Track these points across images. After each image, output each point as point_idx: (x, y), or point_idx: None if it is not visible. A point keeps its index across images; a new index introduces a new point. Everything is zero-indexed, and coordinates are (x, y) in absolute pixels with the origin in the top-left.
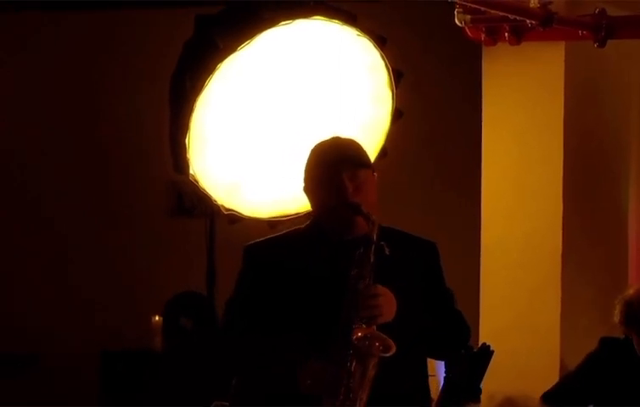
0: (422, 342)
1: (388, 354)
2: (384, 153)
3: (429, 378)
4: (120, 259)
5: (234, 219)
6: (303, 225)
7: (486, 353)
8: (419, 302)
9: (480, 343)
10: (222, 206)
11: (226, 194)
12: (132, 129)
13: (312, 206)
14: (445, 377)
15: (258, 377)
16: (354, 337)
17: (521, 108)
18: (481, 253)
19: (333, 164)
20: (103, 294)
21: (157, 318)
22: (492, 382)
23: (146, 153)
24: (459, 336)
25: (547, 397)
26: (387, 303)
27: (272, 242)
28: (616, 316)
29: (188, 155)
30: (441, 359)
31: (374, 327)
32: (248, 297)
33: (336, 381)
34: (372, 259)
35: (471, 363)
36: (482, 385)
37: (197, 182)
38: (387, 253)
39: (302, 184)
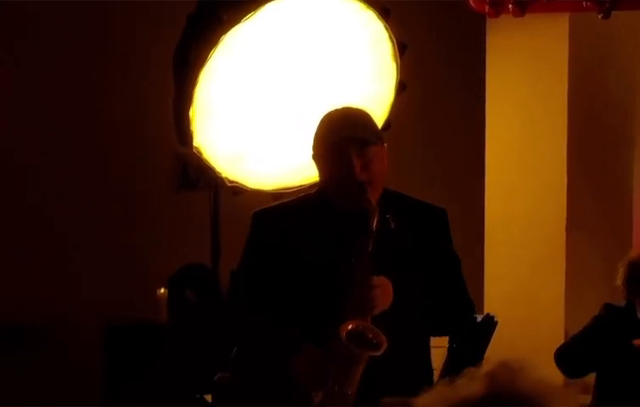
0: (425, 319)
1: (378, 353)
2: (387, 125)
3: (432, 349)
4: (125, 232)
5: (238, 191)
6: (311, 193)
7: (490, 323)
8: (425, 276)
9: (484, 314)
10: (226, 178)
11: (230, 166)
12: (136, 102)
13: (320, 175)
14: (449, 348)
15: (257, 352)
16: (345, 331)
17: (525, 81)
18: (485, 226)
19: (341, 139)
20: (107, 267)
21: (162, 291)
22: (497, 354)
23: (151, 126)
24: (463, 310)
25: (558, 356)
26: (383, 294)
27: (280, 209)
28: (619, 279)
29: (191, 127)
30: (445, 335)
31: (368, 320)
32: (255, 262)
33: (326, 373)
34: (370, 248)
35: (475, 334)
36: (486, 356)
37: (201, 154)
38: (392, 226)
39: (311, 151)
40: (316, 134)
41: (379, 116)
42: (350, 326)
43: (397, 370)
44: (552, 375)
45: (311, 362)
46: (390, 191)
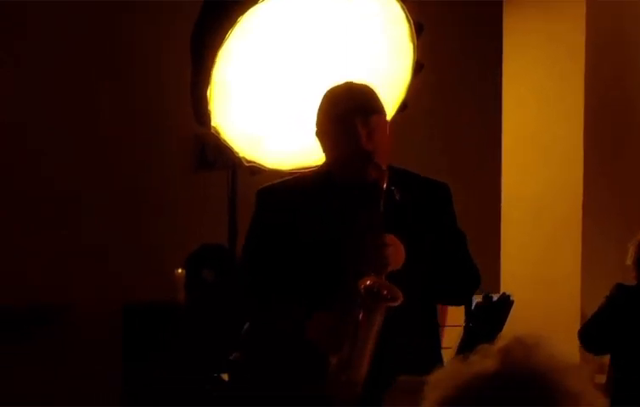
0: (431, 288)
1: (395, 303)
2: (404, 106)
3: (448, 328)
4: (143, 213)
5: (256, 170)
6: (316, 169)
7: (506, 302)
8: (429, 246)
9: (500, 293)
10: (244, 158)
11: (248, 146)
12: (154, 83)
13: (324, 150)
14: (464, 327)
15: (268, 327)
16: (362, 286)
17: (542, 63)
18: (501, 206)
19: (346, 111)
20: (126, 248)
21: (180, 271)
22: (513, 333)
23: (169, 106)
24: (469, 281)
25: (579, 335)
26: (395, 252)
27: (284, 186)
28: (629, 258)
29: (209, 107)
30: (451, 305)
31: (383, 276)
32: (260, 240)
33: (343, 332)
34: (381, 208)
35: (491, 312)
36: (502, 335)
37: (219, 134)
38: (397, 198)
39: (314, 128)
40: (319, 109)
41: (397, 95)
42: (367, 282)
43: (405, 339)
44: (568, 352)
45: (325, 323)
46: (393, 166)
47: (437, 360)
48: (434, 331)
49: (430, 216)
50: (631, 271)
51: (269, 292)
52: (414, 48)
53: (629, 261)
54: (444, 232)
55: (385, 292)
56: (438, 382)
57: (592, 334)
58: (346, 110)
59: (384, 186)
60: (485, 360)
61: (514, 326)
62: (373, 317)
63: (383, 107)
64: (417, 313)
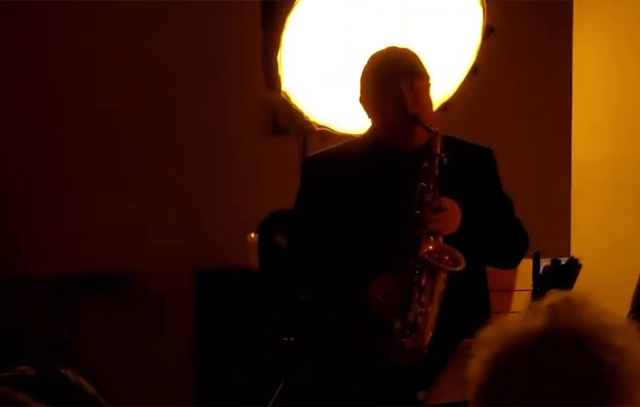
0: (482, 251)
1: (458, 269)
2: (474, 70)
3: (516, 293)
4: (215, 178)
5: (327, 135)
6: (362, 135)
7: (574, 266)
8: (478, 210)
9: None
10: (314, 122)
11: (318, 110)
12: (227, 48)
13: (370, 116)
14: (532, 291)
15: (328, 295)
16: (424, 251)
17: (613, 20)
18: (572, 169)
19: (391, 75)
20: (198, 214)
21: (252, 236)
22: None
23: (241, 71)
24: (516, 244)
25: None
26: (453, 216)
27: (330, 154)
28: None
29: (279, 72)
30: (501, 268)
31: (442, 240)
32: (308, 210)
33: (407, 297)
34: (437, 172)
35: (559, 276)
36: None
37: (289, 99)
38: (445, 163)
39: (358, 94)
40: (362, 75)
41: (468, 60)
42: (430, 247)
43: (462, 303)
44: (615, 312)
45: (386, 289)
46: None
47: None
48: (486, 295)
49: (476, 180)
50: None
51: (322, 262)
52: (484, 12)
53: None
54: (490, 196)
55: (447, 257)
56: (486, 340)
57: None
58: (391, 75)
59: (439, 146)
60: (533, 318)
61: (584, 289)
62: (436, 282)
63: (427, 71)
64: (471, 276)
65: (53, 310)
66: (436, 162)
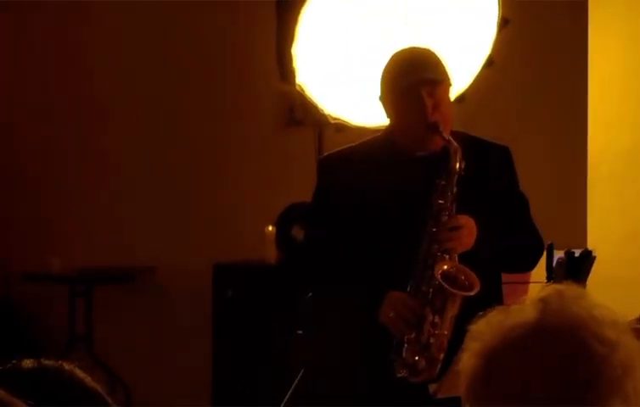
0: (496, 257)
1: (472, 293)
2: (490, 61)
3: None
4: (233, 171)
5: (341, 127)
6: (379, 135)
7: (588, 258)
8: (493, 211)
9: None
10: (329, 115)
11: (333, 103)
12: (244, 38)
13: (388, 117)
14: (546, 283)
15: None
16: (439, 272)
17: (631, 11)
18: (588, 160)
19: (412, 82)
20: (215, 206)
21: (270, 228)
22: (597, 290)
23: (258, 64)
24: (531, 247)
25: None
26: (468, 233)
27: (346, 155)
28: None
29: (294, 65)
30: (513, 272)
31: (457, 259)
32: (323, 210)
33: (420, 316)
34: (455, 190)
35: (572, 268)
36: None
37: (304, 91)
38: (463, 172)
39: (378, 92)
40: (383, 76)
41: (483, 51)
42: (445, 267)
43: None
44: (607, 306)
45: (400, 305)
46: (454, 131)
47: None
48: (500, 297)
49: (493, 180)
50: None
51: (333, 270)
52: (499, 4)
53: None
54: (507, 196)
55: (463, 278)
56: (478, 333)
57: None
58: (412, 82)
59: (458, 163)
60: (524, 310)
61: (600, 281)
62: (450, 305)
63: (447, 74)
64: (486, 292)
65: (71, 304)
66: (455, 180)
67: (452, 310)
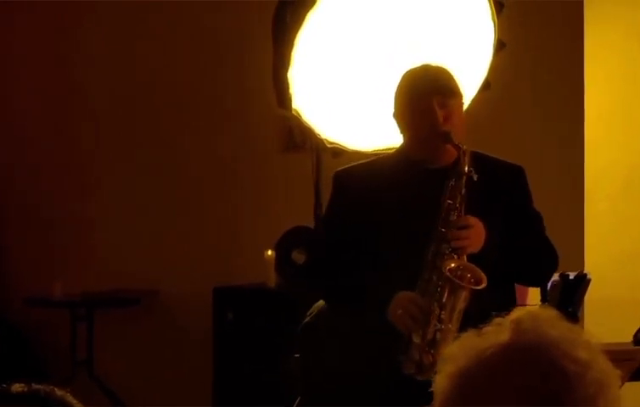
0: (509, 269)
1: (479, 287)
2: (487, 84)
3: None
4: (232, 195)
5: (338, 152)
6: (393, 151)
7: (583, 281)
8: (505, 227)
9: (582, 271)
10: (326, 140)
11: (329, 127)
12: (243, 63)
13: (401, 132)
14: (540, 305)
15: (348, 306)
16: (447, 268)
17: (625, 25)
18: (584, 181)
19: (424, 92)
20: (215, 230)
21: (270, 253)
22: (596, 311)
23: (257, 88)
24: (546, 262)
25: None
26: (477, 234)
27: (360, 169)
28: None
29: (290, 90)
30: (530, 285)
31: (465, 258)
32: (337, 223)
33: (427, 313)
34: (463, 191)
35: (567, 291)
36: (580, 313)
37: (300, 116)
38: (475, 179)
39: (392, 110)
40: (397, 91)
41: (479, 74)
42: (452, 264)
43: (484, 320)
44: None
45: (408, 303)
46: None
47: None
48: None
49: (505, 197)
50: None
51: (347, 275)
52: (495, 27)
53: None
54: (520, 214)
55: (469, 275)
56: (451, 356)
57: None
58: (424, 92)
59: (467, 165)
60: (497, 332)
61: (599, 304)
62: (457, 300)
63: (460, 89)
64: (496, 293)
65: (73, 329)
66: (463, 181)
67: (459, 306)
